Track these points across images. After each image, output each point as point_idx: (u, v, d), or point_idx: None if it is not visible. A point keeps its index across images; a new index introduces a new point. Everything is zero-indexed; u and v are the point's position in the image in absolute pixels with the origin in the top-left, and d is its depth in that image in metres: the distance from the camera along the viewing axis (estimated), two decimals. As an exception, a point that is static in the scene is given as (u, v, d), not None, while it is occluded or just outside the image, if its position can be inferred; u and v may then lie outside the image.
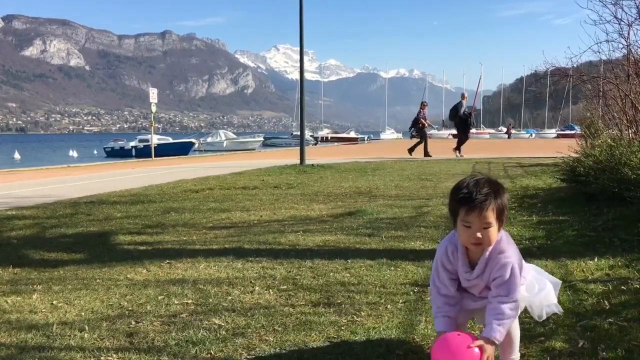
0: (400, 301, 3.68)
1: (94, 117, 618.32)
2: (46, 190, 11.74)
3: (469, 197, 2.20)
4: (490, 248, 2.30)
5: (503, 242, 2.32)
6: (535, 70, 14.14)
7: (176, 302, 3.80)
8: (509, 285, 2.31)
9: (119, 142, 47.15)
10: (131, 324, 3.38)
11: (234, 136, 54.65)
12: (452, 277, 2.43)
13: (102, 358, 2.89)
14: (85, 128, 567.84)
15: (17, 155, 44.91)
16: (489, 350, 2.23)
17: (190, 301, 3.81)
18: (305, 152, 19.11)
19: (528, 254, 4.90)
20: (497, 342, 2.28)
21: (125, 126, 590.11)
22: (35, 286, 4.27)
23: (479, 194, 2.19)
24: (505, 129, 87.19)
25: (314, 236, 5.99)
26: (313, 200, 9.15)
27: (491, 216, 2.21)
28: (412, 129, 24.77)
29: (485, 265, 2.33)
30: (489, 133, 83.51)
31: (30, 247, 5.83)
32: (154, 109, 28.64)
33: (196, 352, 2.93)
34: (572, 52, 9.76)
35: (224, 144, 49.17)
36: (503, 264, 2.30)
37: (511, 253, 2.34)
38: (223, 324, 3.32)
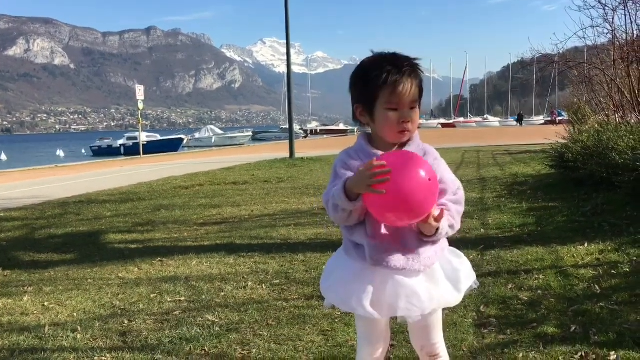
0: (393, 292, 3.69)
1: (80, 116, 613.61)
2: (34, 191, 11.65)
3: (396, 70, 1.74)
4: (415, 140, 1.86)
5: (417, 136, 1.89)
6: (522, 58, 14.20)
7: (169, 299, 3.78)
8: (453, 183, 1.88)
9: (106, 141, 46.74)
10: (124, 323, 3.36)
11: (221, 132, 54.41)
12: None
13: (95, 358, 2.88)
14: (72, 127, 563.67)
15: (3, 157, 44.43)
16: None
17: (183, 298, 3.79)
18: (295, 146, 19.10)
19: (519, 241, 4.95)
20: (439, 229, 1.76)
21: (113, 124, 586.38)
22: (26, 288, 4.24)
23: (405, 62, 1.77)
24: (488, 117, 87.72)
25: (305, 229, 5.99)
26: (304, 193, 9.15)
27: (417, 93, 1.79)
28: None
29: (422, 153, 1.84)
30: (476, 122, 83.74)
31: (20, 248, 5.78)
32: (140, 106, 28.43)
33: (190, 349, 2.92)
34: (557, 39, 9.82)
35: (213, 140, 48.94)
36: (431, 151, 1.86)
37: (432, 149, 1.90)
38: (217, 320, 3.32)
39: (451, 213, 1.81)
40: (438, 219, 1.72)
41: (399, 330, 2.95)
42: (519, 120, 70.46)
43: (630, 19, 8.43)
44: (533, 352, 2.66)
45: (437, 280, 1.83)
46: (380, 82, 1.75)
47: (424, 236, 1.77)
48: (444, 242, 1.88)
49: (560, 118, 39.82)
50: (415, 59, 1.82)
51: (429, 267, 1.81)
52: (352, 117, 1.90)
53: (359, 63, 1.88)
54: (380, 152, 1.80)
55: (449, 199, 1.84)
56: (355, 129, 73.74)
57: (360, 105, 1.84)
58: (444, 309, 1.99)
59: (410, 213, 1.67)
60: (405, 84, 1.75)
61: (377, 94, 1.77)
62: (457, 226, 1.83)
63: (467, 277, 1.90)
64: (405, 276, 1.79)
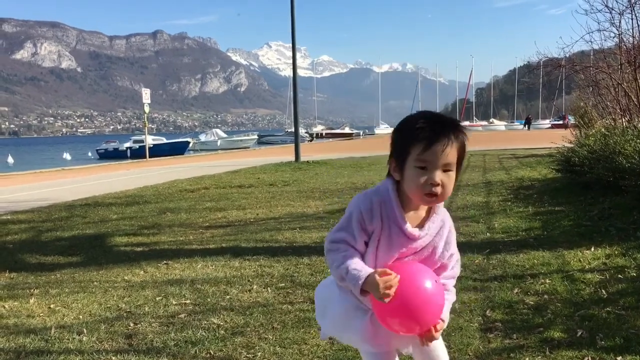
0: (399, 295, 3.68)
1: (87, 119, 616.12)
2: (41, 194, 11.70)
3: (430, 128, 1.65)
4: (439, 210, 1.78)
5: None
6: (528, 62, 14.17)
7: (174, 302, 3.79)
8: (455, 255, 1.84)
9: (112, 144, 46.89)
10: (130, 325, 3.37)
11: (226, 135, 54.51)
12: (363, 242, 1.76)
13: (101, 361, 2.88)
14: (79, 130, 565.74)
15: (10, 160, 44.63)
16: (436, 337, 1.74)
17: (188, 301, 3.80)
18: (300, 149, 19.11)
19: (525, 245, 4.93)
20: (445, 320, 1.77)
21: (119, 127, 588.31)
22: (32, 290, 4.25)
23: (446, 121, 1.68)
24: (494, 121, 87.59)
25: (310, 233, 5.99)
26: (309, 197, 9.15)
27: (455, 155, 1.67)
28: None
29: (441, 224, 1.78)
30: (481, 125, 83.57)
31: (26, 251, 5.81)
32: (147, 109, 28.54)
33: (195, 352, 2.92)
34: (564, 42, 9.79)
35: (218, 143, 49.04)
36: (448, 222, 1.81)
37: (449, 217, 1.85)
38: (222, 323, 3.32)
39: (449, 295, 1.82)
40: (437, 330, 1.73)
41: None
42: (527, 123, 69.08)
43: (637, 22, 8.40)
44: (539, 357, 2.65)
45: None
46: (414, 137, 1.65)
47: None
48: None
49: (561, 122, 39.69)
50: (459, 122, 1.73)
51: None
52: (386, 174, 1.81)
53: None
54: (407, 226, 1.73)
55: (447, 275, 1.84)
56: (361, 132, 73.65)
57: (394, 159, 1.73)
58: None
59: (415, 326, 1.69)
60: (440, 143, 1.63)
61: (410, 148, 1.66)
62: (454, 298, 1.85)
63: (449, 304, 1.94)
64: None
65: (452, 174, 1.68)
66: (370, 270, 1.67)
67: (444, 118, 1.70)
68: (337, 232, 1.77)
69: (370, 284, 1.64)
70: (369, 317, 1.77)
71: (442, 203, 1.76)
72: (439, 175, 1.65)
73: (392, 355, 1.90)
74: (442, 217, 1.78)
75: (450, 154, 1.65)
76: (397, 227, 1.73)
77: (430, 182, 1.65)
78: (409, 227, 1.73)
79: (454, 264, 1.84)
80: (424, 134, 1.64)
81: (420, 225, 1.76)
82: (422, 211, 1.77)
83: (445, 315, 1.77)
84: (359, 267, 1.69)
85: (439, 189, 1.66)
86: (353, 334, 1.82)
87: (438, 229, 1.77)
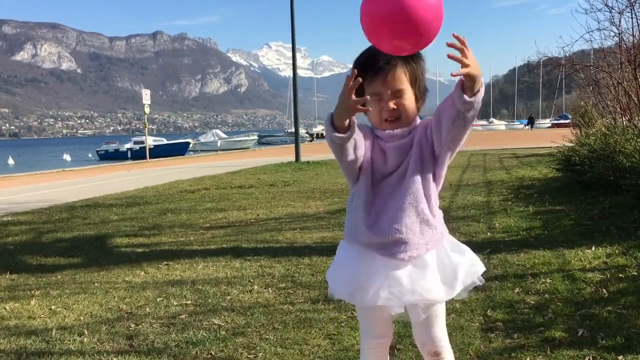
0: (400, 295, 3.68)
1: (87, 121, 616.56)
2: (41, 195, 11.70)
3: (372, 58, 1.73)
4: (416, 121, 1.81)
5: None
6: (528, 61, 14.17)
7: (175, 303, 3.79)
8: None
9: (112, 145, 46.92)
10: (131, 326, 3.37)
11: (226, 136, 54.50)
12: (362, 137, 1.79)
13: (102, 362, 2.88)
14: (79, 131, 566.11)
15: (10, 161, 44.66)
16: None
17: (189, 302, 3.80)
18: (301, 149, 19.11)
19: (525, 244, 4.93)
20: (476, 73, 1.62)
21: (119, 128, 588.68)
22: (33, 292, 4.25)
23: (384, 54, 1.70)
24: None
25: (311, 233, 5.99)
26: (309, 197, 9.15)
27: (403, 77, 1.73)
28: None
29: (410, 128, 1.81)
30: (481, 125, 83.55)
31: (27, 252, 5.81)
32: (147, 110, 28.56)
33: (196, 352, 2.92)
34: (564, 42, 9.79)
35: (218, 144, 49.06)
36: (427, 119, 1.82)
37: None
38: (223, 324, 3.32)
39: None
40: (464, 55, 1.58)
41: (405, 334, 2.95)
42: (530, 122, 67.50)
43: (637, 21, 8.40)
44: (540, 357, 2.65)
45: (425, 273, 1.78)
46: (362, 68, 1.71)
47: (468, 93, 1.63)
48: (440, 232, 1.83)
49: (568, 121, 39.61)
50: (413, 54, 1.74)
51: (415, 257, 1.78)
52: None
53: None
54: (387, 131, 1.80)
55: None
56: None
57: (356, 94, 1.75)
58: (447, 306, 1.94)
59: (409, 30, 1.55)
60: (382, 73, 1.72)
61: (363, 86, 1.73)
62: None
63: (467, 274, 1.82)
64: (393, 265, 1.78)
65: (407, 95, 1.75)
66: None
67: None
68: None
69: (337, 107, 1.68)
70: (362, 267, 1.80)
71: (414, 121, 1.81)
72: (391, 102, 1.75)
73: (382, 311, 1.85)
74: (422, 123, 1.83)
75: (397, 77, 1.73)
76: (378, 134, 1.81)
77: (385, 109, 1.76)
78: (385, 131, 1.80)
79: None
80: (368, 64, 1.73)
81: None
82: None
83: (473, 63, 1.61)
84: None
85: (395, 113, 1.76)
86: (342, 283, 1.85)
87: (422, 130, 1.80)
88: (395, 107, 1.75)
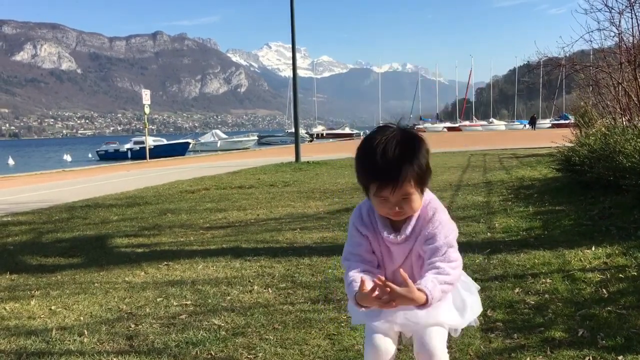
0: (400, 296, 3.68)
1: (87, 121, 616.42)
2: (41, 195, 11.71)
3: (378, 172, 1.74)
4: (419, 212, 1.87)
5: (433, 201, 1.90)
6: (528, 61, 14.17)
7: (175, 303, 3.79)
8: (444, 245, 1.84)
9: (112, 145, 46.94)
10: (131, 326, 3.37)
11: (225, 136, 54.51)
12: (368, 249, 1.93)
13: (102, 362, 2.88)
14: (79, 132, 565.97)
15: (10, 161, 44.66)
16: (402, 291, 1.68)
17: (189, 302, 3.80)
18: (301, 150, 19.12)
19: (525, 244, 4.93)
20: (427, 294, 1.72)
21: (119, 128, 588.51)
22: (33, 292, 4.25)
23: (390, 165, 1.72)
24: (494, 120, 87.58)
25: (311, 233, 5.99)
26: (309, 197, 9.15)
27: (410, 186, 1.76)
28: None
29: (414, 224, 1.87)
30: (481, 125, 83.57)
31: (27, 252, 5.81)
32: (147, 110, 28.57)
33: (196, 353, 2.92)
34: (564, 42, 9.76)
35: (218, 144, 49.09)
36: (432, 213, 1.86)
37: (440, 210, 1.91)
38: (223, 324, 3.32)
39: (440, 271, 1.80)
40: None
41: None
42: (532, 123, 66.68)
43: (637, 21, 8.40)
44: (540, 357, 2.65)
45: (439, 304, 1.84)
46: (367, 177, 1.80)
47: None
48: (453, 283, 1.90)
49: (567, 121, 39.59)
50: (414, 142, 1.78)
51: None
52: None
53: (364, 137, 1.87)
54: (385, 233, 1.88)
55: (437, 259, 1.84)
56: (362, 132, 73.85)
57: (359, 183, 1.87)
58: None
59: None
60: (389, 186, 1.75)
61: (367, 184, 1.82)
62: (453, 279, 1.82)
63: (473, 310, 1.98)
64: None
65: (413, 197, 1.79)
66: (357, 286, 1.78)
67: (394, 148, 1.73)
68: (345, 248, 1.97)
69: (361, 298, 1.77)
70: None
71: (428, 201, 1.87)
72: (397, 206, 1.80)
73: (392, 333, 1.94)
74: (422, 213, 1.87)
75: (404, 189, 1.76)
76: (380, 234, 1.90)
77: (391, 210, 1.82)
78: (386, 233, 1.89)
79: (445, 253, 1.83)
80: (376, 177, 1.76)
81: (398, 230, 1.89)
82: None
83: (432, 287, 1.74)
84: (356, 279, 1.83)
85: (400, 214, 1.83)
86: (362, 313, 1.92)
87: (419, 229, 1.87)
88: (400, 210, 1.81)
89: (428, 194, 1.89)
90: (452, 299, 1.93)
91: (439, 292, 1.75)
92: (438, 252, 1.83)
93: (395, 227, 1.89)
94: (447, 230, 1.86)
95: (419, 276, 1.84)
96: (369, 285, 1.72)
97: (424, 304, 1.72)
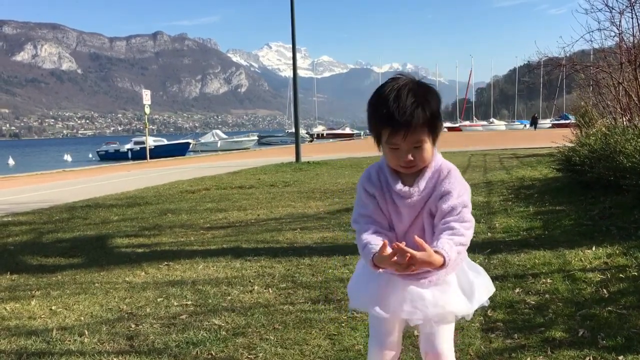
0: (400, 296, 3.68)
1: (87, 121, 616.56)
2: (42, 195, 11.71)
3: (390, 116, 1.72)
4: (431, 165, 1.85)
5: (446, 162, 1.89)
6: (529, 61, 14.17)
7: (175, 303, 3.79)
8: (459, 204, 1.82)
9: (113, 145, 46.94)
10: (131, 327, 3.37)
11: (226, 136, 54.52)
12: (377, 208, 1.90)
13: (102, 362, 2.88)
14: (80, 132, 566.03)
15: (11, 161, 44.65)
16: (421, 256, 1.68)
17: (189, 302, 3.80)
18: (301, 150, 19.12)
19: (526, 245, 4.93)
20: (444, 256, 1.71)
21: (120, 129, 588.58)
22: (33, 292, 4.26)
23: (402, 110, 1.71)
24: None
25: (311, 233, 5.99)
26: (310, 197, 9.15)
27: (422, 133, 1.75)
28: None
29: (427, 179, 1.84)
30: (482, 125, 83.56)
31: (27, 252, 5.81)
32: (147, 110, 28.58)
33: (197, 353, 2.92)
34: (564, 42, 9.76)
35: (218, 144, 49.09)
36: (447, 171, 1.84)
37: (455, 169, 1.88)
38: (223, 324, 3.32)
39: (455, 232, 1.78)
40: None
41: (405, 334, 2.94)
42: (533, 123, 65.85)
43: (638, 21, 8.39)
44: (540, 357, 2.65)
45: (446, 289, 1.85)
46: (380, 120, 1.77)
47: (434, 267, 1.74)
48: (461, 257, 1.87)
49: (567, 121, 39.55)
50: (426, 90, 1.78)
51: (436, 282, 1.84)
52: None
53: (377, 87, 1.86)
54: (398, 185, 1.84)
55: (451, 219, 1.81)
56: (362, 132, 73.88)
57: (371, 133, 1.87)
58: (457, 321, 1.95)
59: None
60: (401, 130, 1.73)
61: (379, 130, 1.80)
62: (467, 240, 1.80)
63: (482, 292, 1.92)
64: (414, 283, 1.84)
65: (425, 146, 1.78)
66: (376, 247, 1.75)
67: (407, 94, 1.73)
68: (354, 211, 1.94)
69: (379, 259, 1.74)
70: (383, 280, 1.87)
71: (435, 161, 1.84)
72: (409, 154, 1.78)
73: (397, 323, 1.94)
74: (436, 170, 1.84)
75: (417, 135, 1.75)
76: (391, 188, 1.86)
77: (402, 160, 1.79)
78: (399, 185, 1.85)
79: (460, 212, 1.82)
80: (388, 121, 1.74)
81: (412, 184, 1.85)
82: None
83: (448, 249, 1.73)
84: (371, 241, 1.80)
85: (412, 162, 1.79)
86: (364, 295, 1.91)
87: (433, 183, 1.84)
88: (412, 158, 1.78)
89: (439, 156, 1.87)
90: (457, 283, 1.89)
91: (455, 253, 1.75)
92: (453, 211, 1.81)
93: (407, 183, 1.86)
94: (461, 188, 1.85)
95: (430, 235, 1.84)
96: (388, 250, 1.71)
97: (442, 266, 1.72)
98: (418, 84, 1.78)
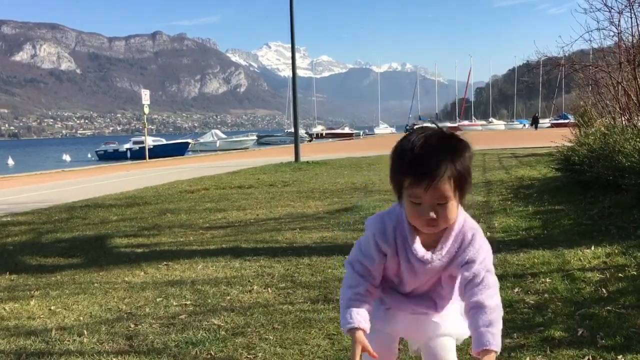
0: (399, 295, 3.68)
1: (86, 121, 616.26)
2: (41, 195, 11.70)
3: (416, 162, 1.57)
4: (454, 227, 1.70)
5: (469, 220, 1.75)
6: (528, 61, 14.17)
7: (175, 303, 3.79)
8: (482, 270, 1.70)
9: (112, 145, 46.94)
10: (130, 327, 3.37)
11: (225, 136, 54.53)
12: (379, 267, 1.79)
13: (102, 362, 2.88)
14: (79, 132, 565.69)
15: (10, 161, 44.60)
16: None
17: (188, 302, 3.80)
18: (300, 149, 19.12)
19: (525, 244, 4.93)
20: (496, 351, 1.71)
21: (119, 128, 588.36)
22: (32, 292, 4.25)
23: (429, 158, 1.56)
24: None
25: (310, 233, 5.99)
26: (309, 197, 9.15)
27: (447, 188, 1.57)
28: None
29: (451, 243, 1.72)
30: (481, 125, 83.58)
31: (26, 253, 5.81)
32: (146, 110, 28.58)
33: (196, 353, 2.92)
34: (563, 41, 9.75)
35: (217, 144, 49.09)
36: (472, 235, 1.71)
37: (479, 231, 1.75)
38: (222, 324, 3.32)
39: (486, 312, 1.70)
40: None
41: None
42: (534, 122, 65.02)
43: (637, 21, 8.39)
44: (540, 356, 2.65)
45: (449, 315, 1.86)
46: (403, 170, 1.61)
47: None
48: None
49: (566, 121, 39.55)
50: (457, 142, 1.63)
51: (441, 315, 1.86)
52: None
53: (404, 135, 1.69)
54: (419, 248, 1.71)
55: (476, 290, 1.70)
56: (361, 132, 73.71)
57: (392, 183, 1.70)
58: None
59: None
60: (426, 181, 1.55)
61: (402, 180, 1.63)
62: (497, 308, 1.72)
63: None
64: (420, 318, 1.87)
65: (450, 204, 1.61)
66: (356, 326, 1.69)
67: (435, 143, 1.59)
68: (355, 251, 1.82)
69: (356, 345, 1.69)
70: (390, 315, 1.86)
71: (460, 223, 1.70)
72: (432, 211, 1.61)
73: (392, 339, 1.94)
74: (460, 233, 1.71)
75: (442, 189, 1.57)
76: (410, 250, 1.72)
77: (424, 217, 1.62)
78: (420, 251, 1.71)
79: (483, 279, 1.70)
80: (411, 169, 1.58)
81: (434, 247, 1.72)
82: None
83: (493, 341, 1.68)
84: (357, 313, 1.71)
85: (433, 223, 1.63)
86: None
87: (456, 249, 1.71)
88: (434, 217, 1.61)
89: (463, 214, 1.72)
90: (459, 307, 1.87)
91: (499, 333, 1.70)
92: (476, 278, 1.68)
93: (427, 243, 1.72)
94: (485, 252, 1.72)
95: (449, 290, 1.80)
96: (374, 353, 1.68)
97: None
98: (449, 134, 1.64)
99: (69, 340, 3.18)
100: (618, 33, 8.77)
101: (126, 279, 4.52)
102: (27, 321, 3.59)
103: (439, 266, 1.73)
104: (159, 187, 12.06)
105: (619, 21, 8.68)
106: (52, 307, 3.84)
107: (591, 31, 9.24)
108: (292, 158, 18.74)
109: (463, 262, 1.70)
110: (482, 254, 1.71)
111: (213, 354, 2.90)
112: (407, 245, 1.72)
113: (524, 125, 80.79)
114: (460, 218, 1.70)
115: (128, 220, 7.67)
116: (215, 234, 6.29)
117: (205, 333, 3.18)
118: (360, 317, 1.70)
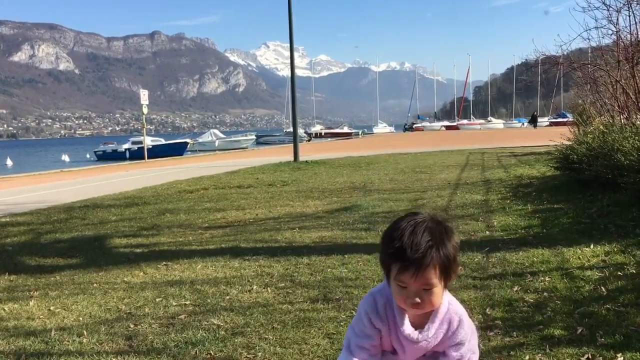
0: (399, 294, 3.68)
1: (85, 121, 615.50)
2: (40, 196, 11.69)
3: (402, 252, 1.64)
4: (441, 310, 1.80)
5: (455, 304, 1.85)
6: (526, 59, 14.17)
7: (174, 303, 3.79)
8: (468, 351, 1.84)
9: (110, 145, 46.92)
10: (130, 327, 3.37)
11: (223, 136, 54.54)
12: (377, 342, 1.85)
13: (101, 362, 2.88)
14: (77, 132, 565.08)
15: (9, 162, 44.56)
16: None
17: (188, 302, 3.80)
18: (299, 149, 19.12)
19: (524, 243, 4.94)
20: None
21: (117, 129, 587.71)
22: (32, 293, 4.25)
23: (416, 247, 1.63)
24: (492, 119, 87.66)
25: (310, 232, 5.99)
26: (308, 196, 9.15)
27: (433, 275, 1.66)
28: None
29: (437, 326, 1.81)
30: (479, 124, 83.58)
31: (25, 253, 5.80)
32: (145, 110, 28.56)
33: (196, 352, 2.92)
34: (561, 40, 9.76)
35: (216, 144, 49.10)
36: (459, 320, 1.82)
37: (465, 315, 1.86)
38: (222, 324, 3.32)
39: None
40: None
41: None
42: (533, 121, 64.32)
43: (635, 19, 8.40)
44: (539, 355, 2.65)
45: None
46: (391, 255, 1.69)
47: None
48: None
49: (565, 119, 39.55)
50: (444, 230, 1.70)
51: None
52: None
53: (395, 220, 1.79)
54: (407, 329, 1.79)
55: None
56: (360, 131, 73.65)
57: (381, 265, 1.78)
58: None
59: None
60: (411, 269, 1.64)
61: (389, 264, 1.71)
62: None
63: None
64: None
65: (436, 289, 1.69)
66: None
67: (422, 232, 1.66)
68: (350, 335, 1.88)
69: None
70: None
71: (445, 307, 1.79)
72: (417, 296, 1.69)
73: None
74: (446, 318, 1.80)
75: (427, 277, 1.66)
76: (398, 328, 1.80)
77: (409, 301, 1.70)
78: (407, 330, 1.79)
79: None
80: (399, 257, 1.66)
81: (422, 327, 1.80)
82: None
83: None
84: None
85: (419, 307, 1.71)
86: None
87: (444, 331, 1.81)
88: (419, 301, 1.70)
89: (448, 297, 1.81)
90: None
91: None
92: (462, 359, 1.82)
93: (415, 323, 1.80)
94: (471, 336, 1.84)
95: None
96: None
97: None
98: (437, 222, 1.71)
99: (68, 341, 3.18)
100: (616, 31, 8.78)
101: (125, 279, 4.52)
102: (26, 322, 3.59)
103: (428, 345, 1.82)
104: (158, 187, 12.05)
105: (617, 19, 8.69)
106: (52, 308, 3.84)
107: (590, 29, 9.26)
108: (291, 157, 18.75)
109: (453, 344, 1.82)
110: (470, 336, 1.83)
111: (213, 353, 2.90)
112: (396, 323, 1.81)
113: (523, 123, 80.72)
114: (445, 301, 1.79)
115: (127, 220, 7.66)
116: (215, 234, 6.29)
117: (205, 333, 3.18)
118: None
